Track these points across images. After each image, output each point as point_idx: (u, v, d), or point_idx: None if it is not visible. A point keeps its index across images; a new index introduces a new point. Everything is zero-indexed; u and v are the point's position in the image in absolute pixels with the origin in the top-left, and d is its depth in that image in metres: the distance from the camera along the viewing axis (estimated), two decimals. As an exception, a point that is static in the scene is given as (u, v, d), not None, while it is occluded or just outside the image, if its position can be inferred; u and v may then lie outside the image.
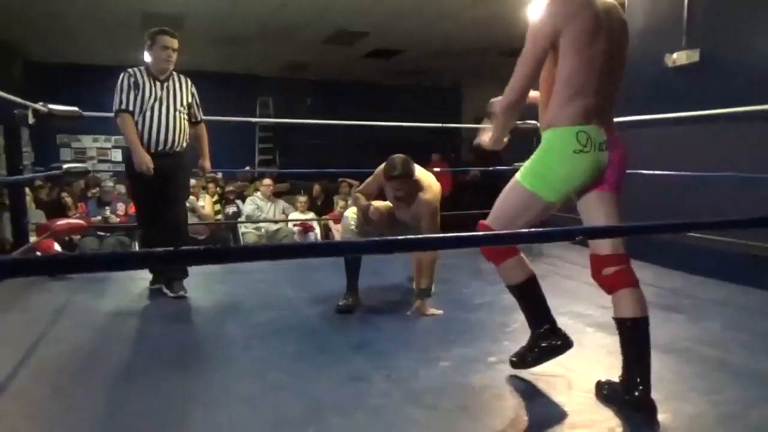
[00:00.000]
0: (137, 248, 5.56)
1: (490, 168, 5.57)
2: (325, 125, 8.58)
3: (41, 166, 6.55)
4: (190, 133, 3.25)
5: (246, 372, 2.12)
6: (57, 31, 7.68)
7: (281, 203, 6.55)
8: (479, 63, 9.41)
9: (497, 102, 1.83)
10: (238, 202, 6.90)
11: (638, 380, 1.76)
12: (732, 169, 3.71)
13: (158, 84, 3.09)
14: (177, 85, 3.16)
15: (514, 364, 2.04)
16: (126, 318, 2.78)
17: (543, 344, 1.97)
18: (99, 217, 5.40)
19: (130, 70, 3.09)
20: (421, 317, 2.74)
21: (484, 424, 1.73)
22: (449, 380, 2.01)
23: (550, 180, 1.76)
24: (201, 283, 3.54)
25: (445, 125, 6.05)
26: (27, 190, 4.90)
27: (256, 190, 6.82)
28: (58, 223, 3.73)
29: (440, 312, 2.78)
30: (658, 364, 2.10)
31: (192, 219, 5.71)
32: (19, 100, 3.20)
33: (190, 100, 3.21)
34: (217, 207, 6.53)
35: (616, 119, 4.60)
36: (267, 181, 6.41)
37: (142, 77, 3.07)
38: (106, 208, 5.61)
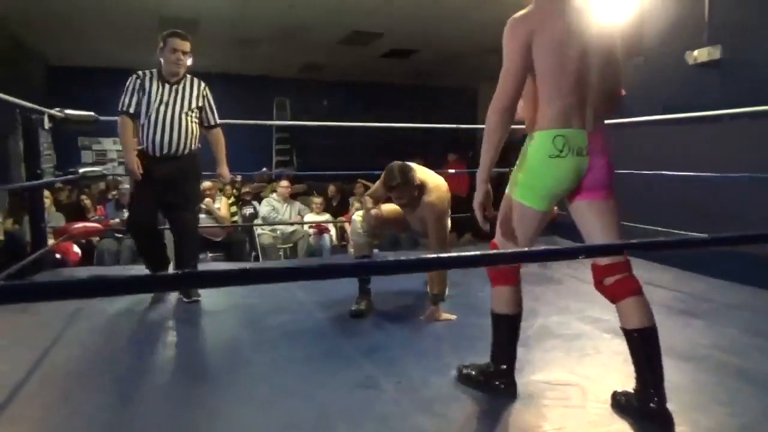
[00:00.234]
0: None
1: (507, 169, 5.50)
2: (342, 126, 8.57)
3: (63, 169, 6.64)
4: (205, 139, 3.22)
5: (256, 377, 2.11)
6: (76, 36, 7.79)
7: (297, 204, 6.55)
8: (495, 63, 9.28)
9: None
10: (255, 203, 6.92)
11: (652, 391, 1.71)
12: (756, 170, 3.61)
13: (167, 87, 3.05)
14: (187, 89, 3.11)
15: (460, 376, 2.00)
16: (138, 321, 2.79)
17: (494, 381, 1.91)
18: (117, 219, 5.45)
19: (140, 72, 3.07)
20: (434, 323, 2.70)
21: (495, 434, 1.70)
22: (460, 388, 1.97)
23: (533, 188, 1.76)
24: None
25: (460, 126, 6.00)
26: (47, 192, 4.97)
27: (273, 191, 6.84)
28: (75, 226, 3.77)
29: (454, 317, 2.74)
30: (675, 373, 2.06)
31: (208, 221, 5.74)
32: (35, 106, 3.24)
33: (201, 103, 3.16)
34: (234, 209, 6.55)
35: (634, 119, 4.53)
36: (284, 182, 6.41)
37: (150, 80, 3.04)
38: (124, 210, 5.66)
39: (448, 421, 1.76)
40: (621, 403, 1.81)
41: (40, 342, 2.38)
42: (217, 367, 2.24)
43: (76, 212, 5.81)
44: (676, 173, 4.20)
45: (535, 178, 1.75)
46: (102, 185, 6.84)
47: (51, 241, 4.08)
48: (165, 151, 3.04)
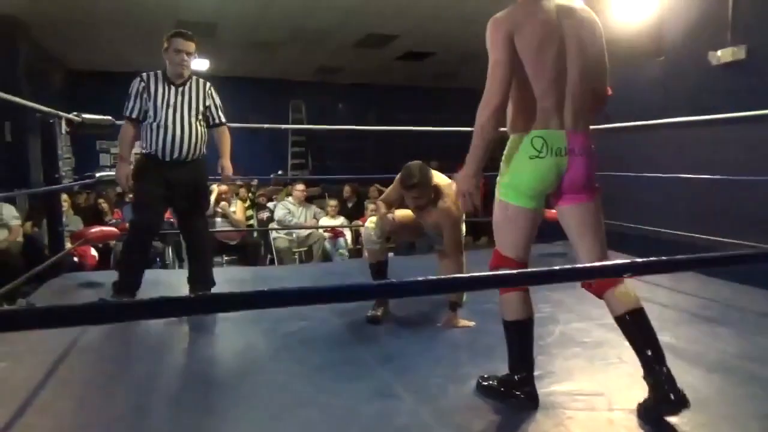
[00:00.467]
0: (170, 254, 5.63)
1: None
2: (357, 129, 8.57)
3: (82, 172, 6.72)
4: (210, 136, 3.14)
5: (272, 385, 2.08)
6: (96, 40, 7.87)
7: (313, 208, 6.54)
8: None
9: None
10: (270, 205, 6.93)
11: (656, 368, 1.72)
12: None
13: (173, 89, 2.96)
14: (194, 90, 3.02)
15: (479, 388, 1.94)
16: (153, 327, 2.77)
17: (515, 391, 1.85)
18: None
19: (143, 74, 2.98)
20: (452, 329, 2.65)
21: (517, 447, 1.64)
22: (480, 398, 1.92)
23: (518, 187, 1.77)
24: (228, 290, 3.53)
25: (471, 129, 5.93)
26: (65, 196, 5.01)
27: (288, 194, 6.83)
28: (92, 230, 3.78)
29: (472, 324, 2.69)
30: (705, 384, 1.99)
31: (224, 225, 5.75)
32: (53, 110, 3.25)
33: (207, 103, 3.08)
34: (249, 212, 6.56)
35: (658, 120, 4.44)
36: (300, 186, 6.40)
37: (156, 82, 2.94)
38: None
39: (469, 433, 1.71)
40: (648, 413, 1.75)
41: (55, 348, 2.37)
42: (232, 375, 2.21)
43: (94, 215, 5.86)
44: (700, 176, 4.10)
45: (517, 177, 1.77)
46: (119, 188, 6.90)
47: (68, 245, 4.10)
48: (176, 155, 2.95)
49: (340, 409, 1.85)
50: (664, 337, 2.46)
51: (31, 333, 2.55)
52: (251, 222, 6.53)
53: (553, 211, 4.38)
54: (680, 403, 1.66)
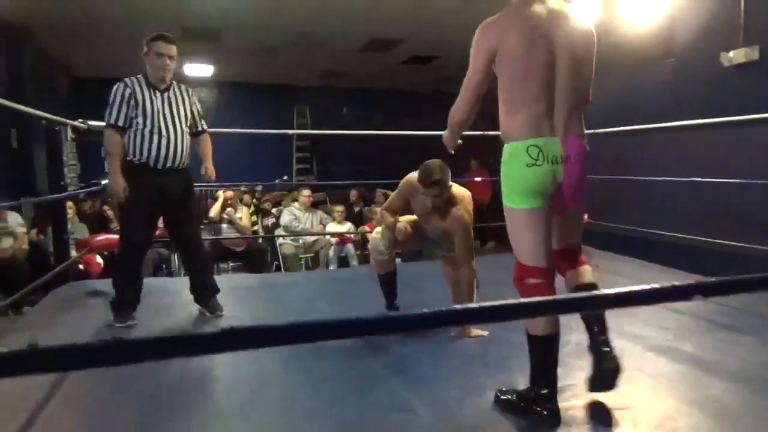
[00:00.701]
0: (176, 261, 5.59)
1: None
2: (362, 134, 8.52)
3: (88, 179, 6.71)
4: (192, 143, 3.05)
5: (281, 397, 2.02)
6: (101, 47, 7.87)
7: (319, 213, 6.49)
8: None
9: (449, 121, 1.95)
10: (275, 210, 6.88)
11: (600, 339, 1.84)
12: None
13: (158, 95, 2.86)
14: (178, 97, 2.94)
15: (497, 402, 1.89)
16: (162, 337, 2.73)
17: (536, 407, 1.79)
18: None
19: (127, 80, 2.83)
20: (465, 339, 2.59)
21: (538, 464, 1.58)
22: (498, 412, 1.85)
23: (518, 191, 1.78)
24: (236, 299, 3.49)
25: (483, 133, 5.87)
26: (70, 203, 4.98)
27: (294, 200, 6.79)
28: (97, 239, 3.74)
29: (485, 333, 2.63)
30: (727, 394, 1.92)
31: (230, 231, 5.71)
32: (58, 117, 3.21)
33: (193, 109, 3.01)
34: (253, 218, 6.52)
35: (668, 123, 4.37)
36: (306, 191, 6.36)
37: (141, 88, 2.82)
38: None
39: (488, 449, 1.65)
40: (592, 383, 1.85)
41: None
42: (241, 386, 2.15)
43: (99, 223, 5.83)
44: (713, 180, 4.04)
45: (517, 183, 1.78)
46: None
47: (74, 253, 4.07)
48: (170, 163, 2.86)
49: (354, 424, 1.79)
50: (683, 346, 2.41)
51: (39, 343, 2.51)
52: (255, 228, 6.49)
53: (585, 216, 4.17)
54: (615, 371, 1.80)
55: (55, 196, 3.41)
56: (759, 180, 3.84)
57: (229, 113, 10.97)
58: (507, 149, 1.80)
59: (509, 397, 1.87)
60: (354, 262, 6.07)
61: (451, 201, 2.68)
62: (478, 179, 7.55)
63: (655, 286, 0.78)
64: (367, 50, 8.47)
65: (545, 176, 1.74)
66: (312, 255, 6.22)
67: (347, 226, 6.44)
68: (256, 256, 5.80)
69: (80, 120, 3.39)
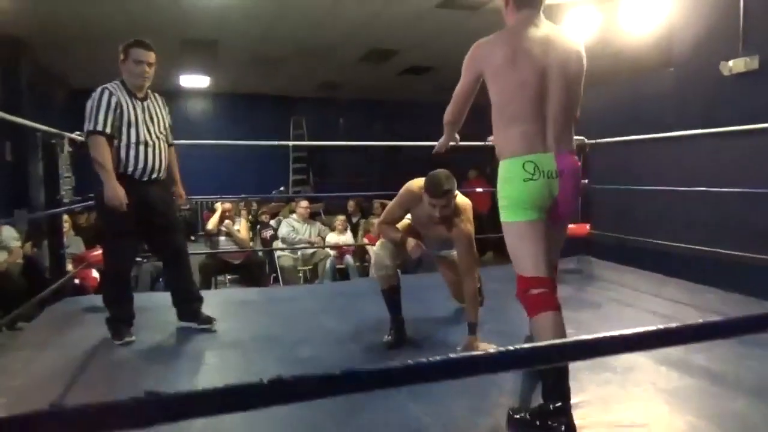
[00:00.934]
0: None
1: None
2: (359, 144, 8.50)
3: (83, 191, 6.64)
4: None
5: (292, 418, 1.96)
6: (98, 59, 7.79)
7: (317, 225, 6.44)
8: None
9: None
10: (273, 222, 6.83)
11: (560, 405, 1.73)
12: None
13: (138, 103, 2.77)
14: (158, 106, 2.88)
15: (510, 421, 1.83)
16: (159, 354, 2.66)
17: (551, 422, 1.74)
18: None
19: (109, 86, 2.71)
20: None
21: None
22: (512, 431, 1.80)
23: (516, 205, 1.81)
24: (237, 314, 3.42)
25: (477, 143, 5.85)
26: (66, 216, 4.91)
27: (292, 212, 6.74)
28: (94, 253, 3.67)
29: (493, 347, 2.57)
30: (750, 411, 1.88)
31: (227, 244, 5.64)
32: (55, 130, 3.16)
33: (167, 120, 2.92)
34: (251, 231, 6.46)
35: (670, 133, 4.35)
36: (304, 203, 6.31)
37: (123, 96, 2.72)
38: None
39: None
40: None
41: (62, 380, 2.26)
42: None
43: (95, 236, 5.74)
44: (714, 189, 4.01)
45: (516, 198, 1.81)
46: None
47: (70, 266, 3.99)
48: (155, 174, 2.80)
49: (365, 445, 1.73)
50: (696, 359, 2.36)
51: (29, 366, 2.44)
52: (251, 240, 6.43)
53: (570, 225, 4.26)
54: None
55: (52, 210, 3.34)
56: (760, 189, 3.83)
57: (224, 124, 10.93)
58: (504, 165, 1.85)
59: (522, 415, 1.81)
60: (353, 275, 6.02)
61: (455, 211, 2.64)
62: (479, 189, 7.52)
63: (723, 320, 0.73)
64: (365, 61, 8.47)
65: (542, 190, 1.78)
66: (311, 267, 6.16)
67: (348, 237, 6.39)
68: (255, 268, 5.73)
69: (77, 132, 3.33)
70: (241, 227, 5.83)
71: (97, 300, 3.49)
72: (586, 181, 4.44)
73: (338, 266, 6.12)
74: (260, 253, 6.09)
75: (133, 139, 2.72)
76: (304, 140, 10.91)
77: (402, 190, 2.74)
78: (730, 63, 4.37)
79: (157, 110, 2.87)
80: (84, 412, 0.48)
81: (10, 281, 4.52)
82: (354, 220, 7.33)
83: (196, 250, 5.42)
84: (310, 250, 6.12)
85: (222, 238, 5.64)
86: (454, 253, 2.87)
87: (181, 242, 3.03)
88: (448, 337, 2.77)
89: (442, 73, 9.24)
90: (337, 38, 7.22)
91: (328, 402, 2.01)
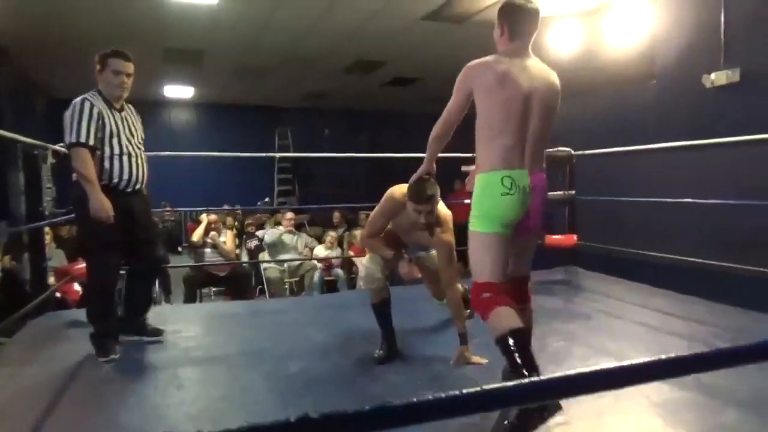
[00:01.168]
0: (158, 287, 5.43)
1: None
2: (344, 156, 8.51)
3: (64, 203, 6.53)
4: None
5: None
6: (79, 69, 7.69)
7: (304, 236, 6.40)
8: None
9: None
10: (259, 233, 6.77)
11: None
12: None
13: (117, 114, 2.73)
14: (133, 117, 2.85)
15: (501, 429, 1.82)
16: (143, 370, 2.59)
17: (533, 411, 1.77)
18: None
19: (88, 96, 2.67)
20: (464, 367, 2.52)
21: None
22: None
23: (488, 217, 1.96)
24: (223, 326, 3.37)
25: (463, 155, 5.87)
26: (47, 228, 4.81)
27: (277, 223, 6.69)
28: (76, 267, 3.59)
29: (484, 361, 2.55)
30: (740, 425, 1.88)
31: (213, 256, 5.58)
32: (36, 141, 3.09)
33: (141, 131, 2.90)
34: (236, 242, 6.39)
35: (656, 145, 4.40)
36: (289, 214, 6.28)
37: (103, 107, 2.67)
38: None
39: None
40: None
41: (46, 398, 2.19)
42: (236, 424, 2.04)
43: (77, 248, 5.63)
44: (697, 200, 4.06)
45: (490, 209, 1.96)
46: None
47: (51, 279, 3.91)
48: (138, 185, 2.78)
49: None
50: (688, 372, 2.37)
51: (10, 382, 2.37)
52: (237, 251, 6.36)
53: (554, 237, 4.34)
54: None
55: (36, 224, 3.26)
56: (742, 200, 3.89)
57: (208, 135, 10.86)
58: (482, 179, 1.99)
59: (505, 422, 1.81)
60: (343, 287, 5.98)
61: (437, 221, 2.64)
62: (467, 201, 7.56)
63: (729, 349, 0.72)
64: (351, 72, 8.48)
65: (516, 205, 1.94)
66: (297, 279, 6.11)
67: (337, 251, 6.37)
68: (241, 280, 5.67)
69: (61, 144, 3.26)
70: (227, 239, 5.76)
71: (79, 314, 3.42)
72: (573, 192, 4.47)
73: (326, 278, 6.08)
74: (246, 265, 6.02)
75: (116, 150, 2.69)
76: (289, 150, 10.89)
77: (384, 198, 2.71)
78: (712, 76, 4.45)
79: (134, 121, 2.86)
80: None
81: (-12, 295, 4.41)
82: (340, 231, 7.30)
83: (181, 263, 5.35)
84: (296, 262, 6.08)
85: (207, 250, 5.57)
86: (433, 252, 2.89)
87: (160, 256, 3.06)
88: (438, 350, 2.74)
89: (427, 84, 9.30)
90: (323, 49, 7.22)
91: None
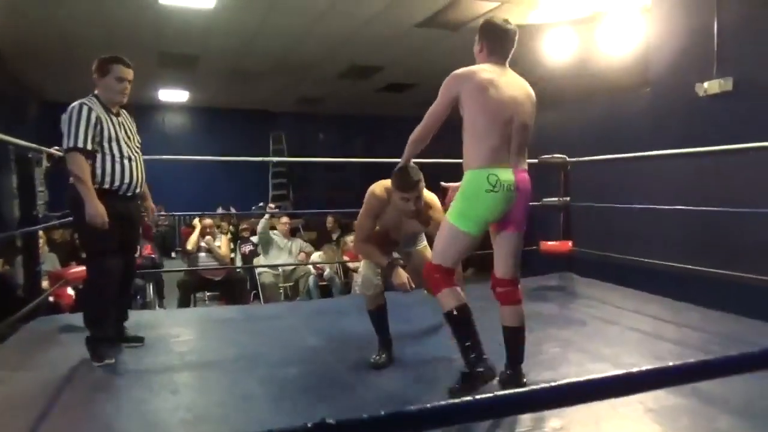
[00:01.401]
0: (150, 291, 5.41)
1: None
2: (339, 161, 8.51)
3: (57, 206, 6.49)
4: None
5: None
6: (73, 72, 7.68)
7: (299, 241, 6.40)
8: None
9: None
10: (254, 238, 6.75)
11: (516, 366, 2.24)
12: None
13: (114, 119, 2.74)
14: (129, 121, 2.86)
15: (451, 395, 2.13)
16: (138, 375, 2.58)
17: (476, 370, 2.11)
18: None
19: (86, 101, 2.67)
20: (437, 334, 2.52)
21: None
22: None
23: (470, 216, 2.12)
24: (218, 331, 3.36)
25: (455, 161, 5.89)
26: (40, 232, 4.78)
27: (272, 227, 6.67)
28: (71, 271, 3.57)
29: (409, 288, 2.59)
30: (733, 427, 1.89)
31: (207, 260, 5.56)
32: (31, 144, 3.07)
33: (137, 135, 2.90)
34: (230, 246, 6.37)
35: (650, 152, 4.43)
36: (284, 219, 6.26)
37: (102, 111, 2.68)
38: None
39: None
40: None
41: (38, 404, 2.17)
42: (232, 431, 2.03)
43: (70, 252, 5.61)
44: (690, 207, 4.10)
45: (471, 208, 2.11)
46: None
47: (45, 283, 3.88)
48: (137, 190, 2.80)
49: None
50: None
51: (3, 388, 2.35)
52: (232, 255, 6.34)
53: (549, 243, 4.39)
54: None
55: (30, 228, 3.24)
56: (735, 208, 3.92)
57: (203, 139, 10.84)
58: (468, 175, 2.13)
59: (455, 386, 2.16)
60: (337, 291, 5.97)
61: (427, 205, 2.65)
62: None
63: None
64: (345, 77, 8.50)
65: (500, 202, 2.08)
66: (291, 284, 6.09)
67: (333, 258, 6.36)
68: (235, 285, 5.65)
69: (56, 147, 3.25)
70: (222, 243, 5.75)
71: (73, 319, 3.40)
72: (568, 198, 4.49)
73: (321, 283, 6.06)
74: (240, 270, 6.00)
75: (116, 154, 2.70)
76: (284, 155, 10.88)
77: (367, 198, 2.69)
78: (705, 84, 4.49)
79: (130, 125, 2.87)
80: None
81: (-20, 300, 4.37)
82: (334, 236, 7.29)
83: (175, 267, 5.32)
84: (291, 267, 6.06)
85: (202, 254, 5.55)
86: (420, 247, 2.91)
87: (135, 260, 3.12)
88: (434, 353, 2.75)
89: (422, 90, 9.32)
90: (318, 54, 7.24)
91: (310, 420, 1.97)
